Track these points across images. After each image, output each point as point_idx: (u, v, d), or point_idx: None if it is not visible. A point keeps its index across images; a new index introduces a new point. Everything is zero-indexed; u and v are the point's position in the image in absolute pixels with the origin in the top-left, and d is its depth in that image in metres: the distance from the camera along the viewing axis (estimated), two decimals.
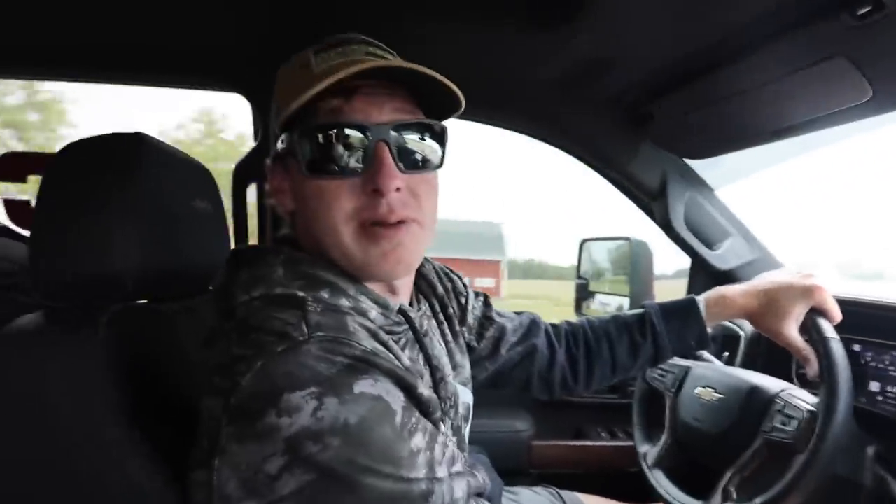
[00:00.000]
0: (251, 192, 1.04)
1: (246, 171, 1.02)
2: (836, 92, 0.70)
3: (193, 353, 0.56)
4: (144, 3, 0.78)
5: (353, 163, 0.45)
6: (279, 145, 0.50)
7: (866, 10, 0.56)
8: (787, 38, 0.68)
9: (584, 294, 1.47)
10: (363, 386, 0.39)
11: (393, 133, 0.46)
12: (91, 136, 0.56)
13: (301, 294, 0.45)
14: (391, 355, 0.45)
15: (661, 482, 0.86)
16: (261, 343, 0.40)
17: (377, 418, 0.38)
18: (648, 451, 0.91)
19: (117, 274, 0.52)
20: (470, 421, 0.65)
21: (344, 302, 0.47)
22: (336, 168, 0.45)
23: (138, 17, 0.82)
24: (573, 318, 0.83)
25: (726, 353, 1.08)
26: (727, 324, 1.11)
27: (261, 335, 0.41)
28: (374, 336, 0.45)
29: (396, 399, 0.41)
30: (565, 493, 0.94)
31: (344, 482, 0.37)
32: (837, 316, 0.72)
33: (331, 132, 0.45)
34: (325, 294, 0.46)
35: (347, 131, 0.45)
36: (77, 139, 0.56)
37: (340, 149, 0.45)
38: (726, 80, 0.80)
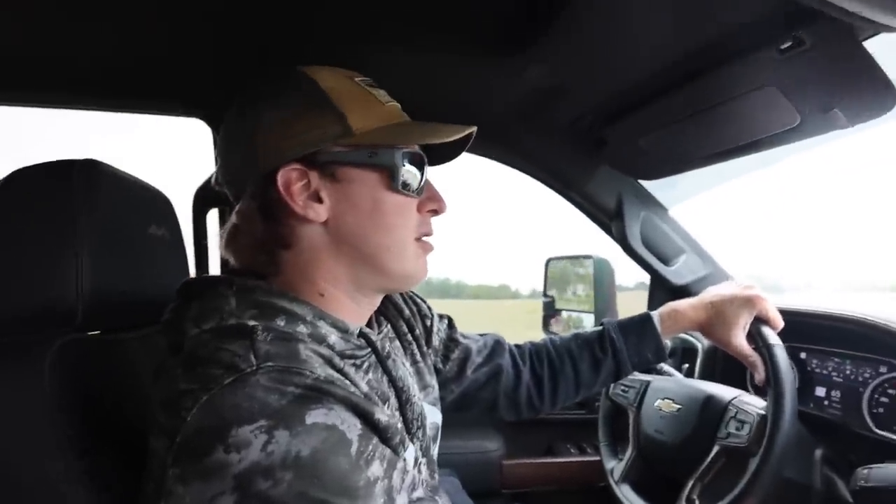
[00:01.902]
0: (212, 219, 1.02)
1: (206, 196, 1.00)
2: (769, 117, 0.76)
3: (149, 385, 0.54)
4: (99, 27, 0.77)
5: (416, 186, 0.52)
6: (336, 150, 0.49)
7: (787, 44, 0.62)
8: (724, 69, 0.73)
9: (550, 311, 1.50)
10: (316, 416, 0.38)
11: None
12: (39, 162, 0.55)
13: (252, 323, 0.43)
14: (347, 382, 0.44)
15: (627, 496, 0.87)
16: (207, 376, 0.39)
17: (331, 449, 0.38)
18: (615, 467, 0.93)
19: (65, 305, 0.51)
20: (439, 441, 0.65)
21: (301, 328, 0.46)
22: (414, 189, 0.52)
23: (93, 40, 0.81)
24: (536, 339, 0.85)
25: (686, 366, 1.12)
26: (686, 337, 1.15)
27: (207, 368, 0.40)
28: (329, 362, 0.45)
29: (352, 427, 0.40)
30: None
31: None
32: (779, 323, 0.77)
33: (417, 159, 0.52)
34: (280, 322, 0.45)
35: (420, 161, 0.53)
36: (24, 166, 0.54)
37: (417, 173, 0.52)
38: (671, 106, 0.85)
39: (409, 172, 0.52)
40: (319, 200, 0.50)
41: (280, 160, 0.48)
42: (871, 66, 0.61)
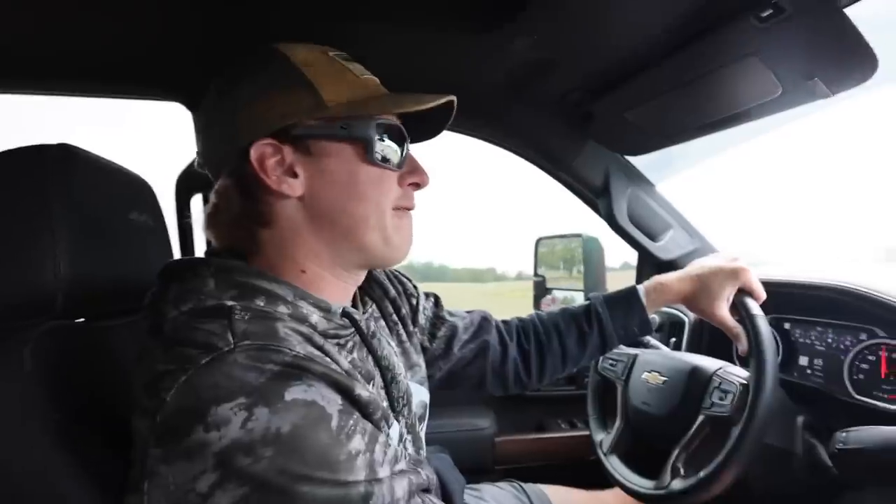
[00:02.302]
0: (196, 204, 1.01)
1: (189, 181, 0.99)
2: (751, 88, 0.75)
3: (133, 370, 0.54)
4: (77, 12, 0.75)
5: (397, 160, 0.52)
6: (309, 124, 0.49)
7: (768, 13, 0.61)
8: (706, 39, 0.72)
9: (541, 291, 1.51)
10: (295, 392, 0.38)
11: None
12: (10, 148, 0.53)
13: (230, 303, 0.44)
14: (327, 359, 0.45)
15: (616, 468, 0.89)
16: (185, 356, 0.39)
17: (311, 424, 0.38)
18: (604, 439, 0.94)
19: (43, 293, 0.50)
20: (427, 420, 0.66)
21: (281, 308, 0.46)
22: (394, 161, 0.52)
23: (72, 26, 0.79)
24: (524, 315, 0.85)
25: (673, 339, 1.14)
26: (673, 311, 1.16)
27: (185, 348, 0.40)
28: (309, 340, 0.45)
29: (332, 402, 0.40)
30: (528, 486, 0.96)
31: (279, 493, 0.36)
32: (762, 295, 0.78)
33: (394, 132, 0.52)
34: (260, 302, 0.46)
35: (401, 134, 0.53)
36: None
37: (396, 147, 0.52)
38: (656, 79, 0.84)
39: (385, 144, 0.51)
40: (294, 175, 0.49)
41: (254, 136, 0.48)
42: (851, 33, 0.61)
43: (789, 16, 0.61)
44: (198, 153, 0.55)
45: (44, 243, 0.50)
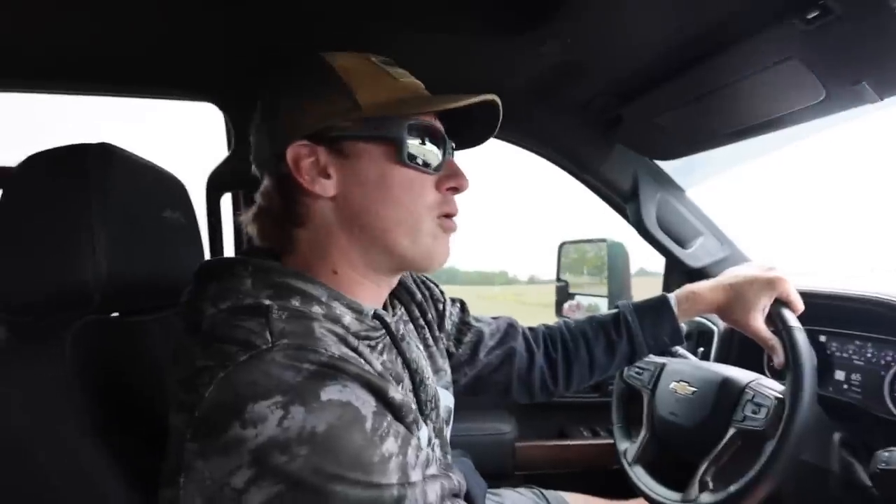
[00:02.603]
0: (225, 203, 1.03)
1: (220, 180, 1.01)
2: (792, 93, 0.73)
3: (166, 366, 0.55)
4: (110, 11, 0.77)
5: (435, 163, 0.51)
6: (344, 126, 0.49)
7: (815, 14, 0.59)
8: (747, 42, 0.70)
9: (563, 296, 1.49)
10: (331, 392, 0.38)
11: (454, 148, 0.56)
12: (53, 147, 0.55)
13: (267, 302, 0.44)
14: (361, 360, 0.45)
15: (641, 478, 0.87)
16: (223, 353, 0.40)
17: (346, 425, 0.38)
18: (628, 448, 0.93)
19: (83, 287, 0.51)
20: (451, 424, 0.66)
21: (316, 309, 0.47)
22: (431, 163, 0.52)
23: (105, 26, 0.81)
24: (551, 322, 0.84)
25: (701, 349, 1.11)
26: (701, 320, 1.13)
27: (224, 345, 0.40)
28: (344, 341, 0.45)
29: (366, 404, 0.40)
30: (549, 493, 0.95)
31: (313, 492, 0.36)
32: (800, 306, 0.75)
33: (431, 133, 0.52)
34: (295, 302, 0.46)
35: (440, 137, 0.52)
36: (39, 151, 0.55)
37: (435, 150, 0.52)
38: (690, 83, 0.83)
39: (422, 147, 0.51)
40: (327, 176, 0.50)
41: (292, 137, 0.49)
42: None
43: (838, 17, 0.58)
44: (251, 155, 0.56)
45: (84, 240, 0.52)
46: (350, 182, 0.50)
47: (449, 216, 0.54)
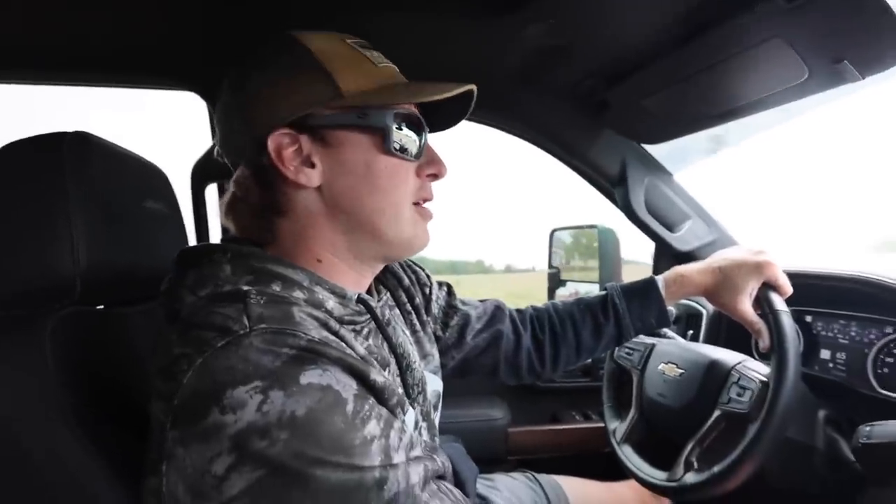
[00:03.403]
0: (211, 193, 1.02)
1: (204, 170, 1.00)
2: (776, 73, 0.73)
3: (150, 357, 0.55)
4: (92, 2, 0.75)
5: (415, 150, 0.51)
6: (326, 113, 0.48)
7: None
8: (729, 22, 0.70)
9: (555, 283, 1.50)
10: (310, 376, 0.38)
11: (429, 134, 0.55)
12: (30, 136, 0.54)
13: (245, 288, 0.44)
14: (343, 344, 0.44)
15: (629, 457, 0.88)
16: (201, 339, 0.39)
17: (326, 408, 0.38)
18: (617, 428, 0.93)
19: (62, 279, 0.51)
20: (440, 409, 0.66)
21: (297, 294, 0.46)
22: (412, 151, 0.51)
23: (87, 16, 0.79)
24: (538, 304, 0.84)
25: (690, 331, 1.12)
26: (690, 302, 1.14)
27: (201, 332, 0.40)
28: (325, 325, 0.45)
29: (347, 387, 0.40)
30: (542, 477, 0.95)
31: (294, 476, 0.36)
32: (788, 290, 0.75)
33: (411, 120, 0.51)
34: (276, 287, 0.46)
35: (419, 124, 0.52)
36: (14, 140, 0.54)
37: (415, 137, 0.52)
38: (675, 64, 0.82)
39: (403, 134, 0.50)
40: (311, 165, 0.49)
41: (271, 126, 0.48)
42: (884, 13, 0.58)
43: None
44: (216, 143, 0.55)
45: (62, 230, 0.51)
46: (335, 171, 0.49)
47: (426, 201, 0.54)
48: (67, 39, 0.86)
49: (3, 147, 0.53)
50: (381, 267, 0.58)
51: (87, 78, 0.99)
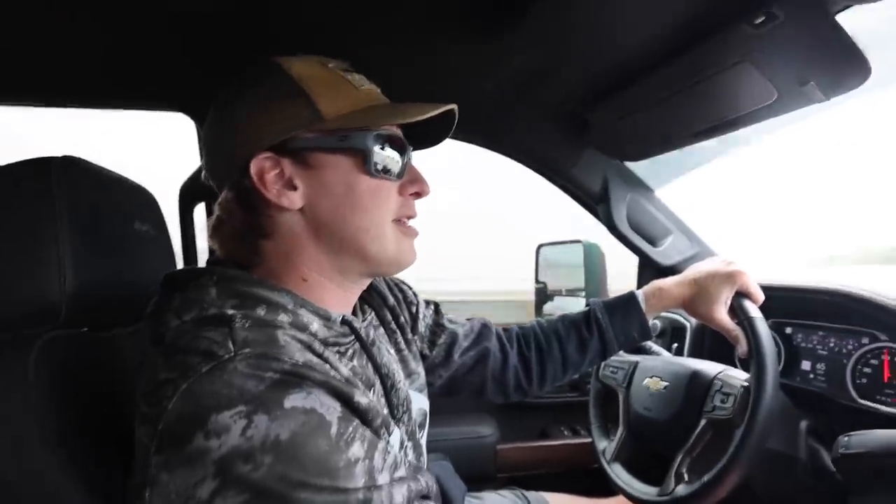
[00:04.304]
0: (199, 213, 1.02)
1: (192, 191, 1.00)
2: (746, 94, 0.76)
3: (135, 379, 0.54)
4: (81, 24, 0.76)
5: (397, 169, 0.52)
6: (307, 136, 0.49)
7: (761, 19, 0.62)
8: (701, 46, 0.73)
9: (542, 297, 1.51)
10: (294, 400, 0.38)
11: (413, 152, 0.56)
12: (18, 160, 0.54)
13: (231, 312, 0.44)
14: (327, 366, 0.45)
15: (619, 475, 0.88)
16: (186, 364, 0.40)
17: (310, 432, 0.38)
18: (606, 447, 0.94)
19: (48, 302, 0.51)
20: (427, 427, 0.66)
21: (282, 317, 0.47)
22: (394, 171, 0.52)
23: (76, 38, 0.80)
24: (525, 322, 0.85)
25: (675, 345, 1.14)
26: (674, 316, 1.16)
27: (186, 356, 0.40)
28: (309, 348, 0.45)
29: (331, 410, 0.40)
30: (531, 494, 0.95)
31: (279, 499, 0.36)
32: (760, 297, 0.78)
33: (393, 140, 0.52)
34: (260, 311, 0.46)
35: (401, 144, 0.53)
36: (1, 164, 0.54)
37: (397, 157, 0.52)
38: (651, 86, 0.85)
39: (384, 155, 0.51)
40: (293, 188, 0.50)
41: (253, 150, 0.49)
42: (844, 40, 0.62)
43: (782, 23, 0.61)
44: (203, 166, 0.56)
45: (49, 253, 0.51)
46: (317, 193, 0.50)
47: (409, 218, 0.55)
48: (56, 62, 0.86)
49: None
50: (367, 284, 0.59)
51: (76, 100, 0.99)
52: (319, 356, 0.45)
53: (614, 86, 0.91)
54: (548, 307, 1.49)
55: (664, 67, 0.80)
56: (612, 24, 0.77)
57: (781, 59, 0.68)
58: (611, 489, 0.90)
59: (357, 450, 0.40)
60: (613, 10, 0.73)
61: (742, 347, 0.75)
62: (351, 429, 0.41)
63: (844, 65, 0.64)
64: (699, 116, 0.87)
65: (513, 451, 1.26)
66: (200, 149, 1.02)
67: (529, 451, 1.27)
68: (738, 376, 0.76)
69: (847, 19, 0.60)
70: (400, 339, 0.67)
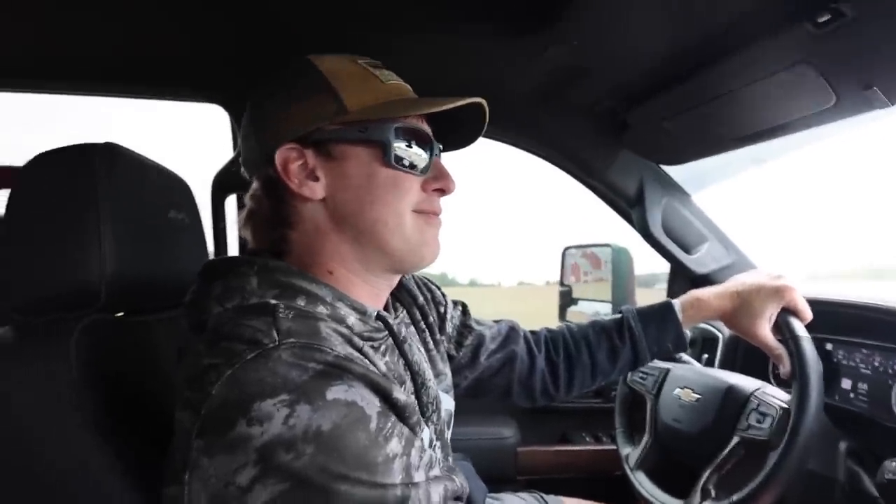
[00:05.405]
0: (230, 204, 1.03)
1: (225, 182, 1.01)
2: (802, 97, 0.72)
3: (171, 365, 0.55)
4: (118, 13, 0.77)
5: (422, 165, 0.52)
6: (331, 129, 0.50)
7: (826, 17, 0.58)
8: (755, 46, 0.70)
9: (567, 301, 1.49)
10: (336, 392, 0.38)
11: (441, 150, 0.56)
12: (60, 146, 0.55)
13: (273, 302, 0.44)
14: (366, 361, 0.45)
15: (643, 483, 0.86)
16: (231, 351, 0.40)
17: (351, 424, 0.38)
18: (630, 454, 0.92)
19: (89, 286, 0.52)
20: (452, 427, 0.65)
21: (321, 309, 0.47)
22: (417, 165, 0.52)
23: (112, 27, 0.81)
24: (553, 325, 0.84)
25: (706, 355, 1.10)
26: (706, 326, 1.13)
27: (231, 343, 0.41)
28: (349, 342, 0.45)
29: (371, 404, 0.40)
30: (550, 498, 0.94)
31: (318, 490, 0.36)
32: (808, 315, 0.74)
33: (418, 135, 0.52)
34: (300, 302, 0.46)
35: (427, 140, 0.53)
36: (45, 150, 0.55)
37: (422, 152, 0.52)
38: (698, 87, 0.82)
39: (406, 148, 0.51)
40: (316, 178, 0.51)
41: (279, 141, 0.50)
42: None
43: (849, 20, 0.58)
44: (239, 158, 0.57)
45: (91, 239, 0.52)
46: (338, 184, 0.51)
47: (434, 214, 0.55)
48: (92, 50, 0.88)
49: (35, 157, 0.55)
50: (395, 281, 0.58)
51: (114, 89, 1.01)
52: (359, 350, 0.46)
53: (657, 85, 0.88)
54: (572, 311, 1.47)
55: (712, 67, 0.77)
56: (657, 20, 0.74)
57: (844, 60, 0.64)
58: (632, 498, 0.88)
59: (395, 446, 0.40)
60: (660, 5, 0.70)
61: (785, 367, 0.72)
62: (389, 424, 0.41)
63: None
64: (748, 120, 0.84)
65: (533, 454, 1.24)
66: (234, 139, 1.03)
67: (550, 455, 1.25)
68: (778, 396, 0.73)
69: None
70: (428, 338, 0.66)
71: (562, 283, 1.49)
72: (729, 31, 0.71)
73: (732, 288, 0.77)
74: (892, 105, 0.65)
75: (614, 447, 0.98)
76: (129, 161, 0.59)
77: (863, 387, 0.82)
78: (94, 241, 0.52)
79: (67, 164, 0.54)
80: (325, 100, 0.50)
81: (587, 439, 1.28)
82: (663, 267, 1.27)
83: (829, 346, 0.88)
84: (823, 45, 0.63)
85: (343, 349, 0.43)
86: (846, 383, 0.84)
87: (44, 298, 0.52)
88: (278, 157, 0.50)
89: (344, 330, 0.46)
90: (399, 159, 0.51)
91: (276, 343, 0.40)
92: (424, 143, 0.53)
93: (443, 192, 0.55)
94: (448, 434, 0.63)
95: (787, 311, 0.74)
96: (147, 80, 0.99)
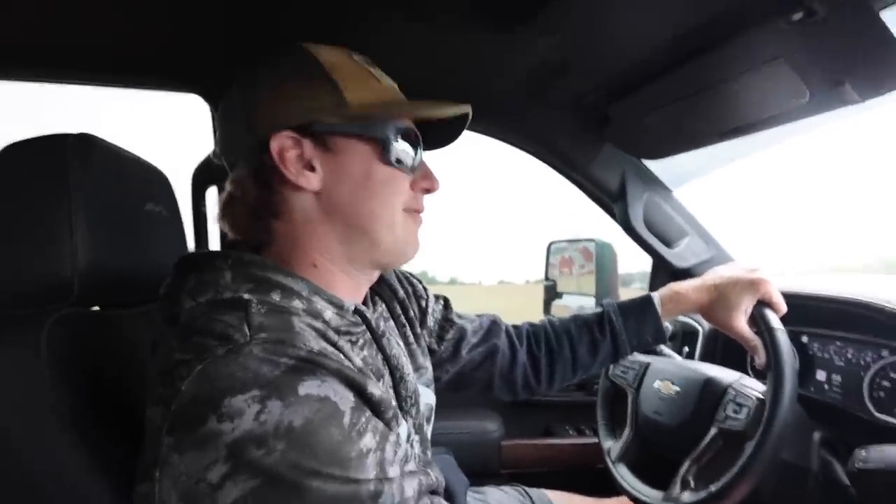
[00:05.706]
0: (211, 196, 1.02)
1: (205, 174, 1.00)
2: (777, 94, 0.73)
3: (146, 359, 0.54)
4: (98, 2, 0.75)
5: (412, 164, 0.53)
6: (330, 121, 0.50)
7: (799, 15, 0.59)
8: (733, 42, 0.70)
9: (551, 295, 1.49)
10: (308, 387, 0.38)
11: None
12: (33, 136, 0.54)
13: (247, 296, 0.44)
14: (340, 355, 0.44)
15: (624, 476, 0.87)
16: (202, 346, 0.39)
17: (323, 420, 0.38)
18: (612, 447, 0.93)
19: (61, 279, 0.51)
20: (432, 422, 0.65)
21: (296, 303, 0.46)
22: (408, 164, 0.53)
23: (89, 14, 0.79)
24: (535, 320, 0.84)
25: (686, 349, 1.12)
26: (686, 319, 1.14)
27: (202, 338, 0.40)
28: (323, 336, 0.45)
29: (345, 399, 0.40)
30: (533, 491, 0.95)
31: (289, 486, 0.36)
32: (783, 307, 0.75)
33: (409, 135, 0.53)
34: (275, 296, 0.46)
35: (416, 139, 0.54)
36: (18, 140, 0.54)
37: (411, 151, 0.53)
38: (678, 82, 0.83)
39: (401, 147, 0.52)
40: (312, 169, 0.50)
41: (275, 127, 0.49)
42: (886, 38, 0.59)
43: (821, 18, 0.59)
44: (216, 143, 0.56)
45: (63, 231, 0.51)
46: (335, 177, 0.50)
47: (417, 212, 0.56)
48: (73, 39, 0.86)
49: (7, 147, 0.53)
50: (376, 276, 0.58)
51: (92, 77, 0.99)
52: (333, 345, 0.45)
53: (638, 80, 0.88)
54: (556, 305, 1.48)
55: (692, 63, 0.77)
56: (637, 16, 0.74)
57: (816, 57, 0.65)
58: (614, 490, 0.89)
59: (369, 441, 0.40)
60: (639, 2, 0.70)
61: (760, 359, 0.74)
62: (363, 419, 0.40)
63: (884, 65, 0.62)
64: (726, 115, 0.85)
65: (517, 447, 1.25)
66: (214, 128, 1.02)
67: (533, 449, 1.26)
68: (754, 387, 0.74)
69: (892, 17, 0.57)
70: (409, 332, 0.66)
71: (546, 278, 1.50)
72: (709, 27, 0.71)
73: (710, 281, 0.78)
74: (864, 101, 0.66)
75: (596, 440, 0.98)
76: (105, 152, 0.57)
77: (836, 378, 0.83)
78: (66, 232, 0.51)
79: (39, 155, 0.53)
80: (324, 91, 0.49)
81: (570, 433, 1.30)
82: (640, 266, 1.29)
83: (804, 339, 0.90)
84: (797, 42, 0.64)
85: (317, 344, 0.42)
86: (821, 375, 0.86)
87: (14, 292, 0.51)
88: (275, 143, 0.49)
89: (319, 325, 0.46)
90: (394, 158, 0.51)
91: (248, 338, 0.39)
92: (414, 142, 0.54)
93: (428, 191, 0.56)
94: (428, 428, 0.63)
95: (763, 304, 0.75)
96: (126, 69, 0.96)
